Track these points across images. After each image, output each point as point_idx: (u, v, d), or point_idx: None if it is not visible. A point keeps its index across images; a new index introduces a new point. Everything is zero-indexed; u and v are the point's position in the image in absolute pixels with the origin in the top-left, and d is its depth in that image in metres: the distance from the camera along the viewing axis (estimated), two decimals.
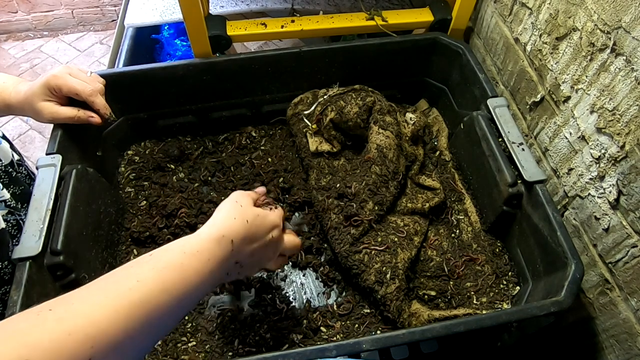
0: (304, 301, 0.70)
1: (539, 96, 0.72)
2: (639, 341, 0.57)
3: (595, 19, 0.58)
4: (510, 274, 0.71)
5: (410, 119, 0.81)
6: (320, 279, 0.73)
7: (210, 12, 0.85)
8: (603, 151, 0.59)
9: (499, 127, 0.70)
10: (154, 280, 0.41)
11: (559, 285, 0.56)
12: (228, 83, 0.83)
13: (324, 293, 0.72)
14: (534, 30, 0.71)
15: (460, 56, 0.81)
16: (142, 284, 0.39)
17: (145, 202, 0.79)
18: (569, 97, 0.65)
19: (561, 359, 0.74)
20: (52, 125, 0.70)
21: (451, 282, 0.70)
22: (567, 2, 0.63)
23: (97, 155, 0.77)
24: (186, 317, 0.68)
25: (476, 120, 0.73)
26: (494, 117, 0.71)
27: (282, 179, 0.82)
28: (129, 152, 0.86)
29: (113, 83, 0.75)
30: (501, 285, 0.70)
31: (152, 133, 0.87)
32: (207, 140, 0.88)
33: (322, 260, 0.74)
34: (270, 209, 0.56)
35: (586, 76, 0.61)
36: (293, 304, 0.70)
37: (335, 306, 0.69)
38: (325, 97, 0.81)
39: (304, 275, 0.74)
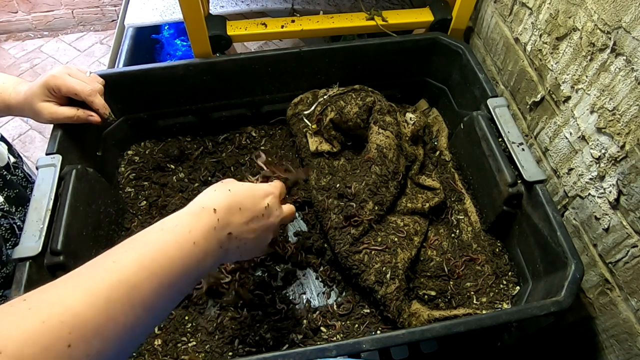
0: (304, 301, 0.70)
1: (539, 96, 0.72)
2: (639, 341, 0.57)
3: (596, 19, 0.58)
4: (510, 274, 0.71)
5: (410, 119, 0.81)
6: (320, 279, 0.73)
7: (210, 12, 0.85)
8: (603, 151, 0.59)
9: (499, 127, 0.70)
10: (132, 259, 0.39)
11: (559, 285, 0.56)
12: (228, 83, 0.83)
13: (324, 293, 0.72)
14: (534, 30, 0.71)
15: (460, 56, 0.81)
16: (119, 264, 0.38)
17: (145, 202, 0.79)
18: (569, 97, 0.65)
19: (561, 359, 0.74)
20: (52, 126, 0.70)
21: (451, 282, 0.70)
22: (567, 2, 0.63)
23: (97, 155, 0.77)
24: (186, 317, 0.68)
25: (476, 120, 0.73)
26: (494, 117, 0.71)
27: None
28: (129, 152, 0.86)
29: (113, 83, 0.75)
30: (501, 285, 0.70)
31: (152, 133, 0.87)
32: (207, 140, 0.88)
33: (322, 260, 0.74)
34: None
35: (586, 76, 0.61)
36: (293, 304, 0.70)
37: (335, 306, 0.69)
38: (325, 97, 0.81)
39: (304, 275, 0.74)
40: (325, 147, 0.80)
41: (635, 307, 0.57)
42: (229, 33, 0.81)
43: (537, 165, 0.66)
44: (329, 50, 0.83)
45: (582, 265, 0.57)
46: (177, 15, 1.00)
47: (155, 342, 0.66)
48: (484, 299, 0.68)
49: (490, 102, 0.73)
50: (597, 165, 0.61)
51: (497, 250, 0.73)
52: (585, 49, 0.60)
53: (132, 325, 0.37)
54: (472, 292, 0.69)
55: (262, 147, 0.88)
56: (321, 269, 0.74)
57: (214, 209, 0.46)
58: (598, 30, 0.57)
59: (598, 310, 0.64)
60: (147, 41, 1.23)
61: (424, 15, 0.87)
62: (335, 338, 0.66)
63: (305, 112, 0.83)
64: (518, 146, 0.68)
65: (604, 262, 0.62)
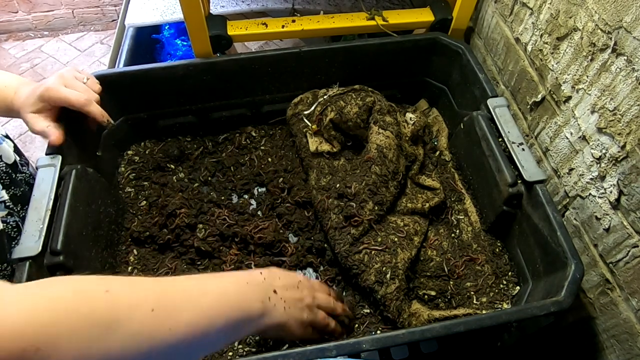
0: None
1: (539, 96, 0.72)
2: (639, 341, 0.57)
3: (596, 19, 0.58)
4: (510, 274, 0.71)
5: (410, 119, 0.81)
6: (320, 279, 0.73)
7: (211, 11, 0.85)
8: (604, 151, 0.59)
9: (499, 127, 0.70)
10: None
11: (559, 285, 0.56)
12: (228, 83, 0.83)
13: None
14: (535, 30, 0.71)
15: (460, 56, 0.81)
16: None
17: (145, 202, 0.79)
18: (569, 97, 0.65)
19: (561, 359, 0.74)
20: None
21: (451, 282, 0.70)
22: (568, 2, 0.63)
23: (97, 155, 0.77)
24: None
25: (476, 120, 0.73)
26: (494, 117, 0.71)
27: (282, 179, 0.82)
28: (129, 152, 0.86)
29: (113, 83, 0.75)
30: (501, 285, 0.70)
31: (152, 133, 0.87)
32: (207, 140, 0.88)
33: (322, 260, 0.74)
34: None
35: (587, 76, 0.61)
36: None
37: None
38: (325, 97, 0.81)
39: (304, 276, 0.74)
40: (325, 147, 0.80)
41: (635, 307, 0.57)
42: (229, 33, 0.81)
43: (537, 165, 0.66)
44: (329, 50, 0.83)
45: (582, 265, 0.57)
46: (177, 15, 1.00)
47: None
48: (484, 299, 0.68)
49: (491, 102, 0.73)
50: (598, 165, 0.61)
51: (497, 250, 0.73)
52: (586, 49, 0.60)
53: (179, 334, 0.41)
54: (472, 292, 0.69)
55: (262, 147, 0.88)
56: (321, 269, 0.74)
57: (261, 272, 0.54)
58: (599, 30, 0.57)
59: (598, 310, 0.64)
60: (147, 41, 1.23)
61: (425, 15, 0.87)
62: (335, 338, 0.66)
63: (305, 112, 0.83)
64: (518, 146, 0.68)
65: (604, 262, 0.62)
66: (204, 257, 0.73)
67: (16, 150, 0.78)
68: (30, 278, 0.55)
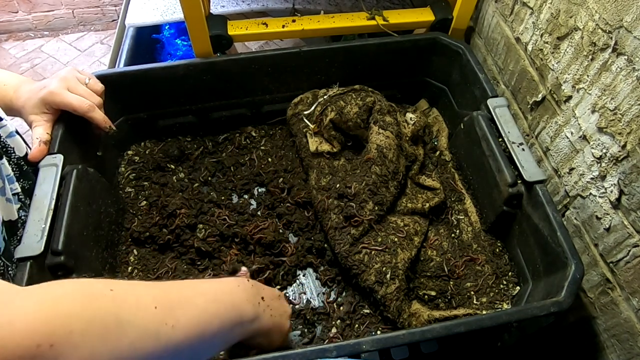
0: (304, 301, 0.70)
1: (540, 96, 0.72)
2: None
3: (597, 19, 0.58)
4: (510, 274, 0.71)
5: (410, 119, 0.81)
6: (320, 279, 0.73)
7: (211, 11, 0.84)
8: (604, 151, 0.59)
9: (499, 127, 0.70)
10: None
11: (559, 285, 0.56)
12: (228, 83, 0.83)
13: (324, 293, 0.72)
14: (535, 29, 0.71)
15: (460, 56, 0.81)
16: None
17: (145, 202, 0.79)
18: (570, 97, 0.65)
19: (562, 359, 0.74)
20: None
21: (451, 282, 0.70)
22: (568, 1, 0.63)
23: (98, 155, 0.77)
24: None
25: (476, 120, 0.73)
26: (494, 117, 0.71)
27: (282, 179, 0.82)
28: (129, 152, 0.86)
29: (113, 83, 0.75)
30: (501, 285, 0.70)
31: (152, 133, 0.87)
32: (207, 140, 0.88)
33: (322, 260, 0.74)
34: None
35: (587, 76, 0.61)
36: (293, 304, 0.70)
37: (335, 306, 0.69)
38: (325, 97, 0.81)
39: (304, 276, 0.74)
40: (325, 147, 0.80)
41: (636, 307, 0.57)
42: (229, 33, 0.81)
43: (537, 165, 0.66)
44: (329, 50, 0.83)
45: (582, 265, 0.57)
46: (177, 15, 1.00)
47: None
48: (484, 299, 0.68)
49: (491, 102, 0.73)
50: (598, 164, 0.60)
51: (497, 250, 0.73)
52: (586, 49, 0.60)
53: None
54: (472, 292, 0.69)
55: (262, 147, 0.88)
56: (321, 269, 0.74)
57: (248, 280, 0.54)
58: (599, 30, 0.57)
59: (599, 310, 0.64)
60: (147, 41, 1.23)
61: (425, 15, 0.87)
62: (335, 338, 0.66)
63: (305, 112, 0.83)
64: (518, 146, 0.68)
65: (605, 261, 0.62)
66: (204, 257, 0.73)
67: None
68: (31, 278, 0.55)
